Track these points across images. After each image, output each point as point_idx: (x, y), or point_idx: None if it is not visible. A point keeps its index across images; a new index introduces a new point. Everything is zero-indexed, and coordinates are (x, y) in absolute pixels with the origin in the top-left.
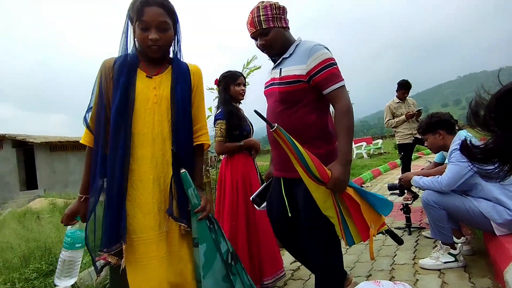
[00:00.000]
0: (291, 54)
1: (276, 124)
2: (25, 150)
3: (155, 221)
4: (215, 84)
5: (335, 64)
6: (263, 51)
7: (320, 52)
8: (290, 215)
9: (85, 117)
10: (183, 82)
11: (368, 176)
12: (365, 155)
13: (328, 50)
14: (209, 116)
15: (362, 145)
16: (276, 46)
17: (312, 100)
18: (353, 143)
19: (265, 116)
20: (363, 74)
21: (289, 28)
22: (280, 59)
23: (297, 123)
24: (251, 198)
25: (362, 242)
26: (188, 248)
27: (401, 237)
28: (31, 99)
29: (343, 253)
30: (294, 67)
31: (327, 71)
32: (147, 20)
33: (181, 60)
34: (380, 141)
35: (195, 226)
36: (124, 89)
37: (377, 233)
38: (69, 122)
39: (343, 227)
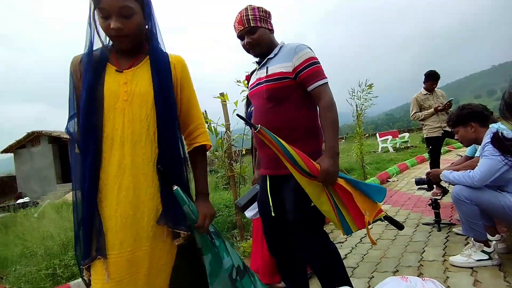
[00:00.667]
0: (276, 54)
1: (259, 125)
2: (60, 146)
3: (116, 239)
4: (246, 80)
5: (319, 62)
6: (248, 51)
7: (305, 51)
8: (273, 214)
9: (67, 127)
10: (164, 75)
11: (394, 171)
12: (391, 149)
13: (311, 50)
14: (234, 110)
15: (387, 138)
16: (261, 45)
17: (299, 97)
18: (378, 136)
19: (252, 118)
20: (389, 66)
21: (273, 31)
22: (265, 59)
23: (287, 119)
24: (235, 202)
25: (389, 238)
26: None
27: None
28: (63, 97)
29: (366, 249)
30: (280, 65)
31: (311, 68)
32: (105, 7)
33: (161, 49)
34: (406, 134)
35: (198, 237)
36: (89, 89)
37: (375, 220)
38: None
39: (339, 218)
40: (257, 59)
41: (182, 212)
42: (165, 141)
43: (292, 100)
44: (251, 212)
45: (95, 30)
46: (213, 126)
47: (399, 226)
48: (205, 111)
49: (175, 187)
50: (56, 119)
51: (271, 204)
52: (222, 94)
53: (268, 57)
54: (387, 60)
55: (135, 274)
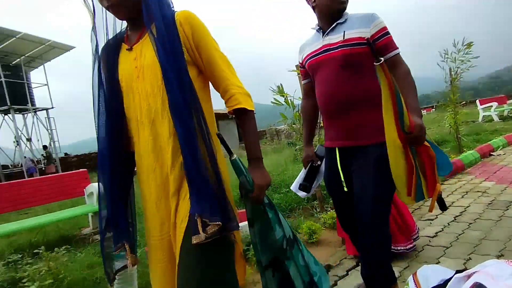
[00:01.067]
0: (346, 20)
1: (381, 59)
2: None
3: (155, 222)
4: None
5: (390, 33)
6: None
7: (380, 20)
8: (346, 189)
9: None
10: (168, 38)
11: (500, 143)
12: (495, 118)
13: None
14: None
15: (491, 105)
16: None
17: (371, 66)
18: (478, 103)
19: (322, 88)
20: (489, 24)
21: None
22: (334, 24)
23: (364, 88)
24: (299, 184)
25: (491, 218)
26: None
27: None
28: None
29: (461, 228)
30: (357, 30)
31: (387, 37)
32: None
33: (159, 8)
34: None
35: (249, 207)
36: (108, 76)
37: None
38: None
39: (416, 182)
40: (315, 26)
41: (215, 200)
42: (177, 113)
43: (368, 69)
44: (301, 192)
45: (92, 11)
46: (290, 99)
47: (443, 206)
48: (281, 84)
49: (234, 156)
50: None
51: (342, 179)
52: (297, 67)
53: (337, 22)
54: (485, 17)
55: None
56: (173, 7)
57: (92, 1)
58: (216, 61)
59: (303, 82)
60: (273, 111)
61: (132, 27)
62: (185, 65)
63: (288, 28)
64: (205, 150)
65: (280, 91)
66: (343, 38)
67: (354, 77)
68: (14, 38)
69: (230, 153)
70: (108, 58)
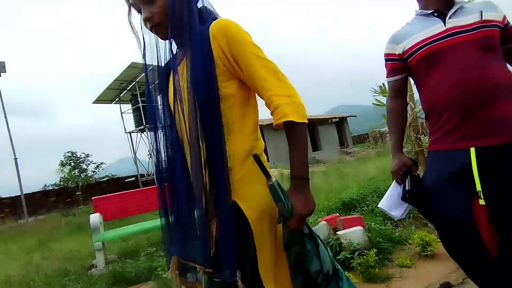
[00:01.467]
0: (462, 6)
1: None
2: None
3: None
4: None
5: None
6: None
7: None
8: (483, 202)
9: None
10: (199, 55)
11: None
12: None
13: None
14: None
15: None
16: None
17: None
18: None
19: (456, 75)
20: None
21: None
22: (455, 9)
23: (507, 74)
24: (404, 191)
25: None
26: None
27: None
28: None
29: None
30: (490, 13)
31: (511, 26)
32: (130, 1)
33: (208, 22)
34: None
35: (286, 232)
36: (162, 101)
37: None
38: None
39: None
40: (420, 10)
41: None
42: (190, 142)
43: (502, 53)
44: (398, 210)
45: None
46: None
47: None
48: (383, 84)
49: (272, 180)
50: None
51: (479, 189)
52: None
53: (458, 7)
54: None
55: None
56: (212, 19)
57: (141, 27)
58: (257, 70)
59: (392, 78)
60: (375, 113)
61: (178, 46)
62: (211, 88)
63: (389, 23)
64: (206, 188)
65: (383, 91)
66: (481, 18)
67: (496, 62)
68: (148, 69)
69: (267, 176)
70: (161, 82)
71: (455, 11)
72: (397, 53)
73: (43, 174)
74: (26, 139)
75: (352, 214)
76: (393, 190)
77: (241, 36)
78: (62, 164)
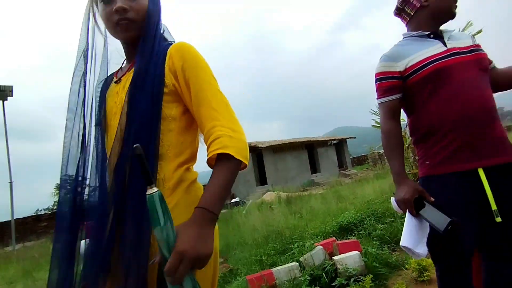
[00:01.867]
0: (452, 31)
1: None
2: (257, 154)
3: None
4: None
5: None
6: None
7: None
8: (500, 219)
9: None
10: (152, 68)
11: None
12: None
13: None
14: None
15: None
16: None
17: None
18: None
19: (464, 93)
20: None
21: None
22: (452, 31)
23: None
24: (448, 220)
25: None
26: None
27: None
28: (254, 111)
29: None
30: (471, 40)
31: None
32: None
33: (165, 41)
34: None
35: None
36: (97, 113)
37: None
38: (284, 127)
39: None
40: (416, 32)
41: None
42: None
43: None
44: (423, 247)
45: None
46: None
47: None
48: None
49: (153, 190)
50: (253, 131)
51: (494, 208)
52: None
53: (450, 32)
54: None
55: None
56: (170, 42)
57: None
58: (207, 97)
59: (389, 98)
60: (373, 134)
61: (129, 55)
62: (156, 102)
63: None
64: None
65: None
66: (474, 42)
67: (489, 84)
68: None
69: (148, 182)
70: (101, 93)
71: (450, 36)
72: (397, 70)
73: (37, 197)
74: (22, 161)
75: (349, 238)
76: (411, 224)
77: (200, 62)
78: (58, 188)
